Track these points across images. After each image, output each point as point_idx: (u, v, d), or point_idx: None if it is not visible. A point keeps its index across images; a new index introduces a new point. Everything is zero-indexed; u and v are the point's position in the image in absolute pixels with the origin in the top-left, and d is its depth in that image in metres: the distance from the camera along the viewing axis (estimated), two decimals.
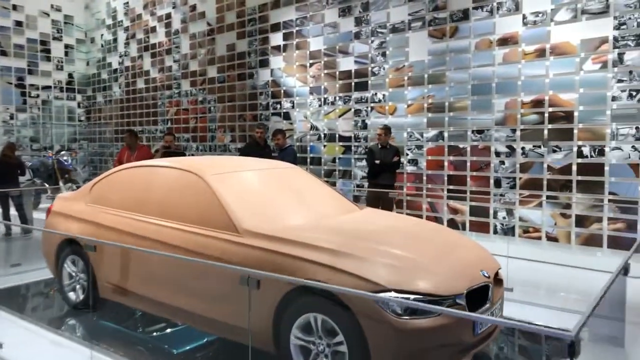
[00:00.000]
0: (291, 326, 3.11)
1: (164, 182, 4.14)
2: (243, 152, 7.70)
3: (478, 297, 3.15)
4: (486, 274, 3.22)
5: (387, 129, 7.01)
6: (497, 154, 6.91)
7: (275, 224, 3.54)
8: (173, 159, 4.72)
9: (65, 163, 9.72)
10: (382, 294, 2.79)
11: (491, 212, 7.01)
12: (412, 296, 2.83)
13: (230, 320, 3.40)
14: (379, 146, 7.01)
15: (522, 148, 6.67)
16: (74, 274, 4.60)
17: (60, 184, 9.42)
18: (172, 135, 8.46)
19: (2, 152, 8.33)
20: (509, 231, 6.85)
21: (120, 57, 13.87)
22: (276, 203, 3.95)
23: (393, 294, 2.81)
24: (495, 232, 6.97)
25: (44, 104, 14.41)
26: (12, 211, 7.85)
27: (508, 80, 6.77)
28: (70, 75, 14.94)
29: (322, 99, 8.93)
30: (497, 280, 3.50)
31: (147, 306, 4.06)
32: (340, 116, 8.67)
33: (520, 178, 6.70)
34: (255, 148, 7.34)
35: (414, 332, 2.80)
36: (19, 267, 5.92)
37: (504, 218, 6.91)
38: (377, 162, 6.90)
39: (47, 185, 9.36)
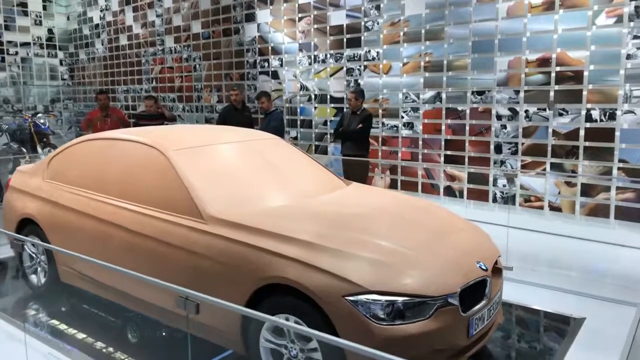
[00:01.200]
0: (260, 327, 2.74)
1: (123, 158, 3.69)
2: (220, 118, 7.19)
3: (473, 292, 2.77)
4: (484, 266, 2.82)
5: (357, 93, 6.41)
6: (499, 117, 6.41)
7: (245, 208, 3.10)
8: (135, 129, 4.25)
9: (43, 126, 9.20)
10: (356, 297, 2.41)
11: (490, 179, 6.58)
12: (397, 298, 2.45)
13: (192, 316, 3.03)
14: (350, 112, 6.49)
15: (526, 111, 6.17)
16: (34, 255, 4.22)
17: (39, 149, 8.93)
18: (152, 98, 7.92)
19: None
20: (509, 200, 6.45)
21: (101, 11, 13.06)
22: (249, 183, 3.50)
23: (373, 296, 2.43)
24: (495, 200, 6.56)
25: (24, 61, 13.70)
26: None
27: (512, 37, 6.18)
28: (50, 31, 14.14)
29: (312, 57, 8.33)
30: (496, 270, 3.12)
31: (110, 295, 3.69)
32: (331, 75, 8.10)
33: (522, 143, 6.24)
34: (233, 112, 6.82)
35: (398, 339, 2.42)
36: None
37: (504, 186, 6.49)
38: (340, 129, 6.44)
39: (24, 151, 8.88)
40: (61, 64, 14.51)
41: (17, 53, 13.61)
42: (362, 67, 7.67)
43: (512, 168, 6.38)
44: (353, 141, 6.38)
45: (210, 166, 3.45)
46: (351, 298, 2.42)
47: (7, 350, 3.44)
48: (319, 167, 4.12)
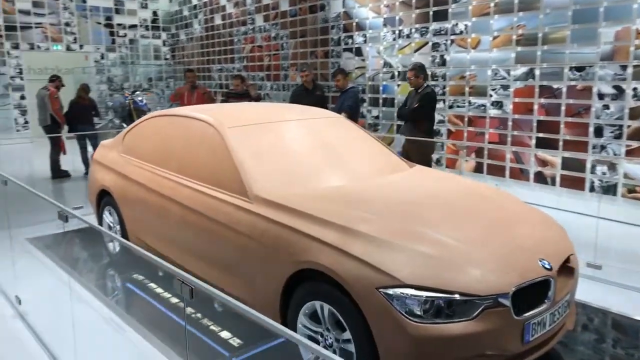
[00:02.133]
0: (298, 313, 2.66)
1: (183, 134, 3.75)
2: (291, 99, 7.10)
3: (534, 293, 2.46)
4: (547, 265, 2.48)
5: (416, 69, 5.88)
6: (601, 96, 5.69)
7: (292, 189, 3.01)
8: (200, 107, 4.31)
9: (140, 103, 9.79)
10: (391, 290, 2.22)
11: (588, 165, 5.90)
12: (437, 295, 2.22)
13: (238, 294, 3.02)
14: (414, 91, 6.01)
15: (634, 89, 5.40)
16: (111, 224, 4.49)
17: None
18: (239, 77, 8.07)
19: (77, 94, 8.52)
20: (609, 189, 5.74)
21: None
22: (301, 163, 3.38)
23: (409, 290, 2.22)
24: (592, 189, 5.88)
25: (131, 43, 14.70)
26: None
27: (621, 4, 5.41)
28: (154, 13, 15.01)
29: (397, 32, 7.96)
30: (568, 269, 2.74)
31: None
32: (416, 51, 7.69)
33: (628, 126, 5.49)
34: (304, 93, 6.71)
35: (436, 339, 2.20)
36: (80, 210, 6.00)
37: (603, 174, 5.79)
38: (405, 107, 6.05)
39: (124, 126, 9.53)
40: (164, 44, 15.37)
41: (125, 35, 14.63)
42: (449, 42, 7.18)
43: (614, 154, 5.66)
44: (411, 121, 5.96)
45: (263, 144, 3.39)
46: (385, 291, 2.24)
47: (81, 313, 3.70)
48: (381, 148, 3.90)
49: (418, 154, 5.64)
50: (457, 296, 2.21)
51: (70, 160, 8.37)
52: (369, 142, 3.89)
